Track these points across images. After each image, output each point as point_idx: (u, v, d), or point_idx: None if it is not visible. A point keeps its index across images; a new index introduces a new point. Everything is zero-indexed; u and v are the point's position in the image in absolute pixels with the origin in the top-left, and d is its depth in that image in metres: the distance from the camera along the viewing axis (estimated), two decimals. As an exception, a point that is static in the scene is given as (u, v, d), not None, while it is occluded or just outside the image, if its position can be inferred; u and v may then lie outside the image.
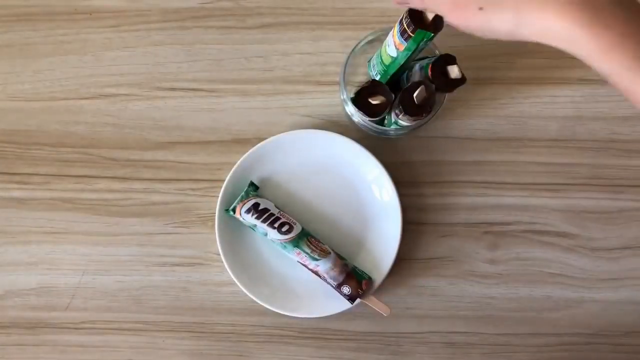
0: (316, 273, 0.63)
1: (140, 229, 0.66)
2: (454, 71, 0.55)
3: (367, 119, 0.59)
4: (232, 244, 0.64)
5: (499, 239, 0.66)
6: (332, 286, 0.62)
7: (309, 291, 0.64)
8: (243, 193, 0.62)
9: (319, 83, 0.66)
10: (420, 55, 0.56)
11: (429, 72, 0.55)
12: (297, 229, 0.62)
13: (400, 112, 0.57)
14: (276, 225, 0.62)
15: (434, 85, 0.56)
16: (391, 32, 0.54)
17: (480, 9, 0.41)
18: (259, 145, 0.63)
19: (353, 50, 0.60)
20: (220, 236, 0.63)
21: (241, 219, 0.62)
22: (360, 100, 0.58)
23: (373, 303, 0.63)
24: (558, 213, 0.66)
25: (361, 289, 0.62)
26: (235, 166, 0.63)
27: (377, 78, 0.59)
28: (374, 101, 0.58)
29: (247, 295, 0.63)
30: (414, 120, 0.57)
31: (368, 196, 0.64)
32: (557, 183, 0.66)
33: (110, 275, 0.67)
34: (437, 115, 0.65)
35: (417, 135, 0.66)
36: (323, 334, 0.66)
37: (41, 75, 0.67)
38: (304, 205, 0.65)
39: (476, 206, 0.66)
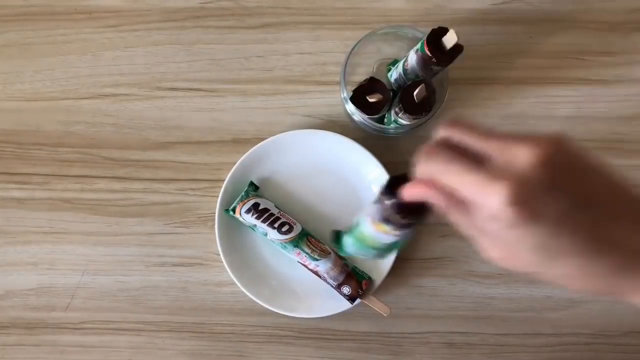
0: (316, 273, 0.63)
1: (140, 229, 0.66)
2: (451, 39, 0.53)
3: (366, 117, 0.59)
4: (232, 244, 0.64)
5: (499, 239, 0.66)
6: (332, 286, 0.62)
7: (309, 291, 0.64)
8: (243, 193, 0.62)
9: (319, 83, 0.66)
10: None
11: (426, 49, 0.54)
12: (297, 229, 0.62)
13: (400, 111, 0.57)
14: (276, 225, 0.62)
15: (433, 87, 0.55)
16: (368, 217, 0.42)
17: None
18: (259, 145, 0.63)
19: (353, 49, 0.60)
20: (220, 236, 0.63)
21: (241, 219, 0.62)
22: (358, 98, 0.58)
23: (373, 303, 0.63)
24: (558, 213, 0.66)
25: (361, 289, 0.62)
26: (235, 166, 0.63)
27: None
28: (372, 99, 0.58)
29: (247, 295, 0.63)
30: (414, 119, 0.57)
31: (368, 196, 0.64)
32: (557, 183, 0.66)
33: (110, 276, 0.67)
34: (437, 115, 0.65)
35: (417, 135, 0.66)
36: (323, 334, 0.66)
37: (41, 75, 0.67)
38: (303, 205, 0.65)
39: (476, 206, 0.66)
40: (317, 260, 0.62)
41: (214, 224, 0.63)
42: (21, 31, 0.67)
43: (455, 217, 0.33)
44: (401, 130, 0.61)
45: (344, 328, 0.66)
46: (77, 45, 0.67)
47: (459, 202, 0.31)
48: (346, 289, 0.62)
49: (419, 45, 0.56)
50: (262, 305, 0.63)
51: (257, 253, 0.65)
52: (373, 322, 0.65)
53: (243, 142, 0.66)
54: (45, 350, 0.67)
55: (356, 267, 0.63)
